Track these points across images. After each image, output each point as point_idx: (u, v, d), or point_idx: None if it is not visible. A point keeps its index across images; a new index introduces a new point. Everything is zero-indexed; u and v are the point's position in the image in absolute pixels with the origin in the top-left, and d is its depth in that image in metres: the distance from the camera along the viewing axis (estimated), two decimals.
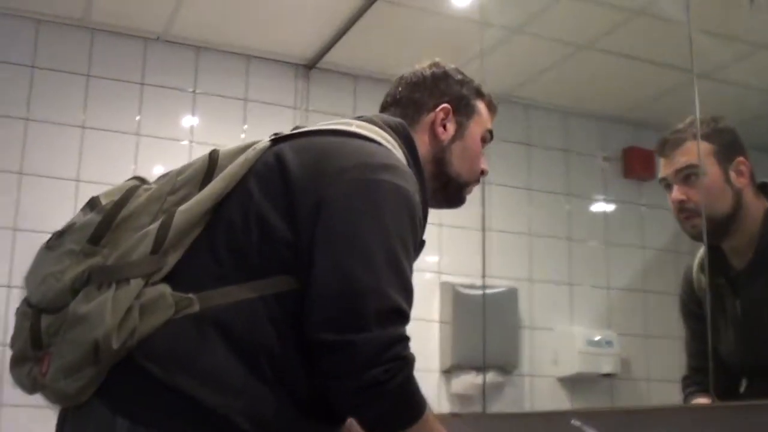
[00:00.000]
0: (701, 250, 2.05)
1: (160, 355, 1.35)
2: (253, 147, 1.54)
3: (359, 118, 1.65)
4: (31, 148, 3.51)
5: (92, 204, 1.51)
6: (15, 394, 1.52)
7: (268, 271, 1.41)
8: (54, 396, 1.40)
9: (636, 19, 2.95)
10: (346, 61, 3.87)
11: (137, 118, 3.69)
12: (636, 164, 2.98)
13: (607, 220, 3.23)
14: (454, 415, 2.91)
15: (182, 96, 3.79)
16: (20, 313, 1.46)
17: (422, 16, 3.42)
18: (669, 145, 2.10)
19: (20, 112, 3.52)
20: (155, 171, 3.43)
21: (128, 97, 3.70)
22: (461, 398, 3.39)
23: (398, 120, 1.68)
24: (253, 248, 1.42)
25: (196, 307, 1.37)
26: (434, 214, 1.70)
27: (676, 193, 2.05)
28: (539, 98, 3.43)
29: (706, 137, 2.03)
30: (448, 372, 3.39)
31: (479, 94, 1.81)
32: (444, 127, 1.74)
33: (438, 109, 1.74)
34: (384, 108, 1.81)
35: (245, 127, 3.85)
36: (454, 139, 1.75)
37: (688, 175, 2.03)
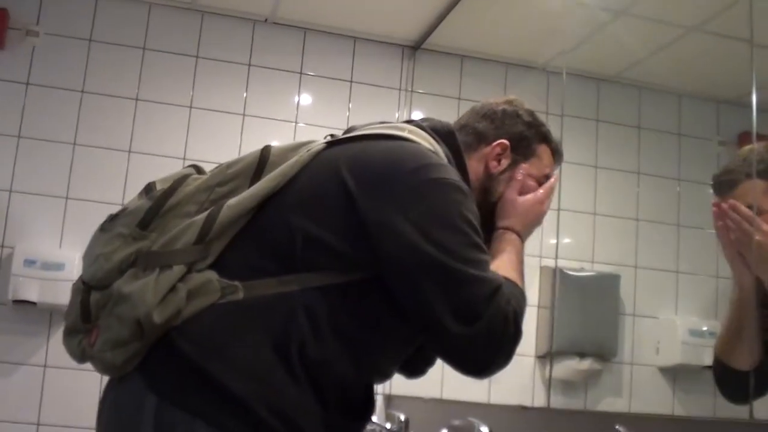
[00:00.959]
0: None
1: (198, 337, 1.40)
2: (307, 148, 1.57)
3: (409, 122, 1.68)
4: (138, 127, 3.63)
5: (147, 189, 1.58)
6: (60, 356, 1.62)
7: (310, 267, 1.44)
8: (101, 365, 1.47)
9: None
10: (451, 42, 3.82)
11: (244, 95, 3.76)
12: None
13: None
14: (522, 408, 2.87)
15: (289, 77, 3.83)
16: (74, 289, 1.54)
17: None
18: (723, 186, 1.99)
19: (131, 92, 3.64)
20: None
21: (236, 78, 3.76)
22: (563, 384, 3.32)
23: (447, 127, 1.69)
24: (298, 248, 1.45)
25: (240, 295, 1.42)
26: None
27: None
28: (651, 80, 3.32)
29: (761, 174, 1.91)
30: (543, 357, 3.33)
31: (545, 139, 1.79)
32: (498, 161, 1.74)
33: (496, 143, 1.74)
34: None
35: (351, 106, 3.86)
36: (504, 173, 1.73)
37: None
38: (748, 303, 1.90)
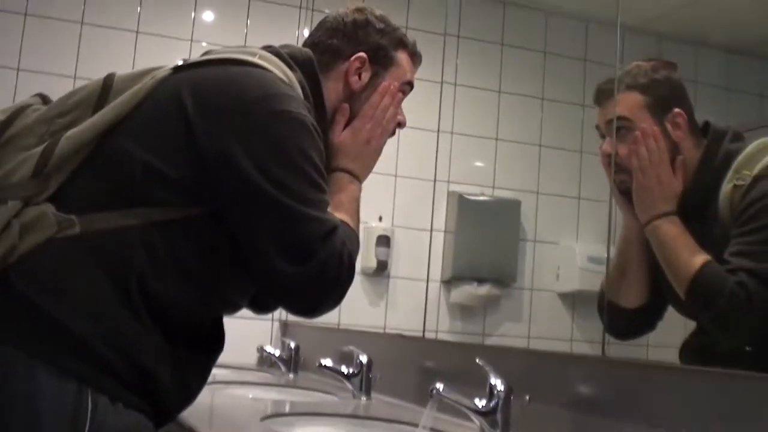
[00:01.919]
0: None
1: (34, 275, 1.34)
2: (152, 75, 1.50)
3: (267, 47, 1.61)
4: (27, 44, 3.47)
5: None
6: None
7: (150, 201, 1.40)
8: None
9: None
10: None
11: (138, 11, 3.61)
12: None
13: None
14: (400, 337, 2.89)
15: None
16: None
17: None
18: (602, 95, 1.97)
19: (20, 7, 3.47)
20: None
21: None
22: (462, 309, 3.33)
23: (306, 54, 1.64)
24: (137, 180, 1.40)
25: (77, 229, 1.36)
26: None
27: (606, 145, 1.93)
28: (558, 5, 3.28)
29: (641, 88, 1.88)
30: (448, 282, 3.33)
31: (401, 44, 1.75)
32: (359, 76, 1.69)
33: (353, 57, 1.68)
34: None
35: (249, 23, 3.72)
36: (366, 88, 1.69)
37: (618, 127, 1.89)
38: (634, 242, 1.92)
